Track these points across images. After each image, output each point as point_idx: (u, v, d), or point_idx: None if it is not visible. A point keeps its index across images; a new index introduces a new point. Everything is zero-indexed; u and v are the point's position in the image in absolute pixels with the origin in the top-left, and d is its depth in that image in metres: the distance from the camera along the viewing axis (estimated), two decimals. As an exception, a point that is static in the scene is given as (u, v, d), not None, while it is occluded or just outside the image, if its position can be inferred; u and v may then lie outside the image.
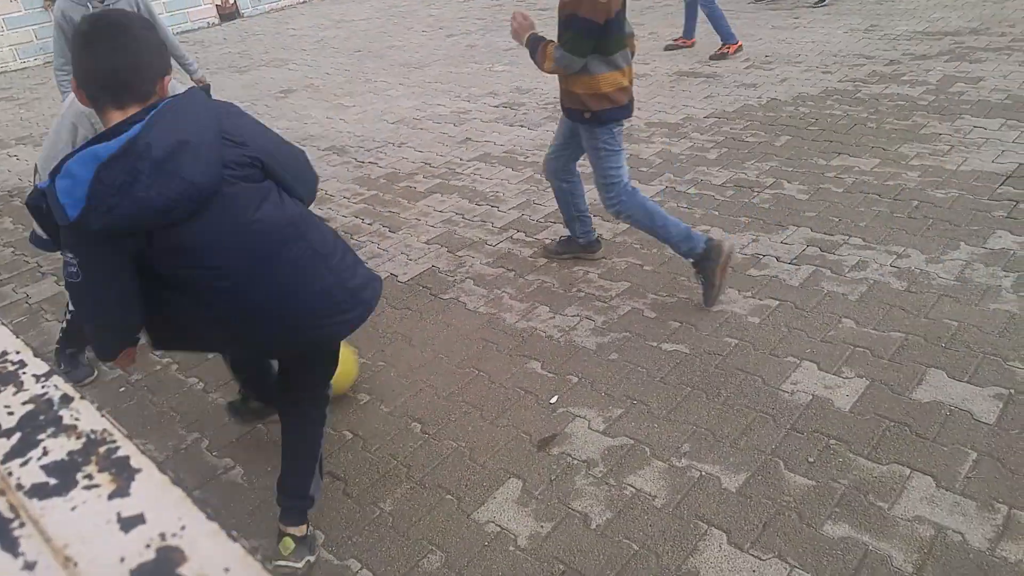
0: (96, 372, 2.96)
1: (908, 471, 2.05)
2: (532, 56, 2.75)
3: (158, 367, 2.97)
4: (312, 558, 1.99)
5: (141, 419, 2.67)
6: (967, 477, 2.01)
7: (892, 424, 2.21)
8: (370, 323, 3.08)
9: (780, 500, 2.01)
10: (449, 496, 2.16)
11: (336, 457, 2.36)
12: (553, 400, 2.49)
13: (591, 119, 2.72)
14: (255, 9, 11.54)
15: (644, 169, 4.19)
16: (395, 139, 5.22)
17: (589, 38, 2.56)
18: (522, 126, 5.11)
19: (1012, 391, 2.27)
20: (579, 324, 2.90)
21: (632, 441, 2.28)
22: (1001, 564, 1.75)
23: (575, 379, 2.59)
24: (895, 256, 3.07)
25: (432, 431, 2.43)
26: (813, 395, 2.37)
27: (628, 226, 3.53)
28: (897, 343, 2.55)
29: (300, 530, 1.98)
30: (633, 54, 2.82)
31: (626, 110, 2.77)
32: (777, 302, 2.87)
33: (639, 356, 2.66)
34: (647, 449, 2.24)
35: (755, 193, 3.76)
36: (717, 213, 3.60)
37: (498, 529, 2.03)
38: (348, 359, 2.46)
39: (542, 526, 2.02)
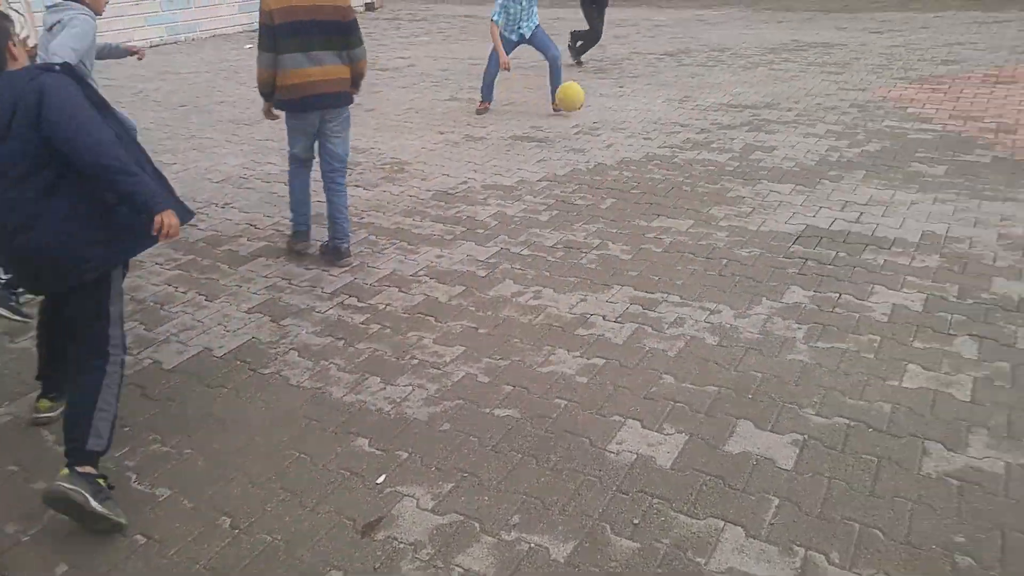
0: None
1: (722, 523, 2.13)
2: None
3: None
4: (92, 502, 2.07)
5: None
6: (771, 524, 2.12)
7: (709, 478, 2.31)
8: (177, 405, 2.81)
9: (607, 567, 2.00)
10: (259, 602, 1.94)
11: (122, 568, 2.04)
12: (380, 480, 2.35)
13: (275, 103, 3.79)
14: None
15: (480, 231, 4.24)
16: (219, 199, 4.90)
17: (263, 36, 3.55)
18: (357, 185, 5.00)
19: (806, 436, 2.47)
20: (411, 394, 2.79)
21: (462, 517, 2.19)
22: (805, 610, 1.84)
23: (405, 455, 2.47)
24: (708, 312, 3.29)
25: (243, 525, 2.19)
26: (637, 454, 2.43)
27: (464, 289, 3.55)
28: (712, 397, 2.70)
29: (82, 468, 2.15)
30: (359, 75, 3.80)
31: (295, 104, 3.66)
32: (604, 360, 2.95)
33: (471, 425, 2.60)
34: (477, 525, 2.16)
35: (583, 254, 3.91)
36: (548, 273, 3.70)
37: (313, 635, 1.84)
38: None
39: (363, 625, 1.86)
